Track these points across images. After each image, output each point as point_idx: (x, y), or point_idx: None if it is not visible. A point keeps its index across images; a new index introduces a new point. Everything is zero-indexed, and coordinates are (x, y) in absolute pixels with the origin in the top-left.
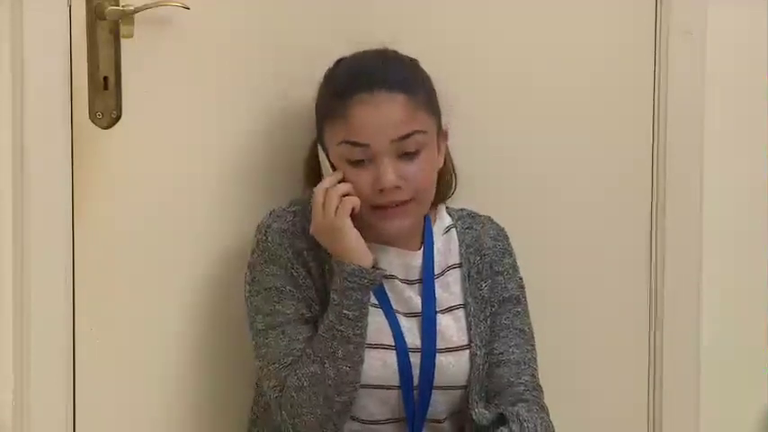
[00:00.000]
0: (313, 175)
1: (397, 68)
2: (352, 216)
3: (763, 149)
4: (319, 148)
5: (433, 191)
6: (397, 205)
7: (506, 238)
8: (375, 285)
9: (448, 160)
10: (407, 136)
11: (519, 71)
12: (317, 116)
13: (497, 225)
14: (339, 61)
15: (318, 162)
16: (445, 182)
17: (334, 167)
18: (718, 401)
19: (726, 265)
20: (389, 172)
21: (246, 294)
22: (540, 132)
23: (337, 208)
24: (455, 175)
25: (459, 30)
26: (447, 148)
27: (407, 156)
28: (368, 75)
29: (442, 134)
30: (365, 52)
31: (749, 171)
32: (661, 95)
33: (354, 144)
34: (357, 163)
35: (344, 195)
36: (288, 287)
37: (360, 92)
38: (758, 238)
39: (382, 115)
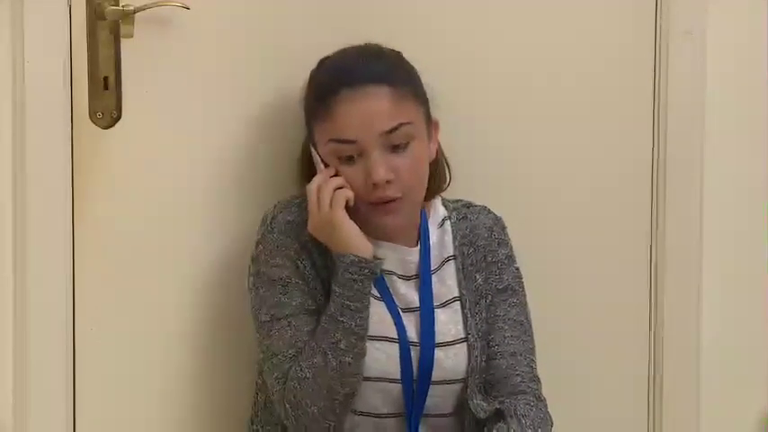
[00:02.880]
0: (305, 172)
1: (378, 62)
2: (348, 210)
3: (764, 149)
4: (311, 147)
5: (426, 183)
6: (390, 202)
7: (503, 227)
8: (375, 275)
9: (440, 153)
10: (394, 129)
11: (519, 71)
12: (305, 117)
13: (494, 215)
14: (322, 61)
15: (311, 159)
16: (438, 174)
17: (326, 165)
18: (718, 402)
19: (726, 265)
20: (380, 166)
21: (250, 286)
22: (540, 132)
23: (331, 202)
24: (449, 167)
25: (459, 29)
26: (438, 142)
27: (397, 148)
28: (349, 71)
29: (432, 124)
30: (346, 49)
31: (749, 171)
32: (661, 95)
33: (342, 141)
34: (347, 160)
35: (337, 189)
36: (293, 279)
37: (342, 89)
38: (758, 238)
39: (367, 109)
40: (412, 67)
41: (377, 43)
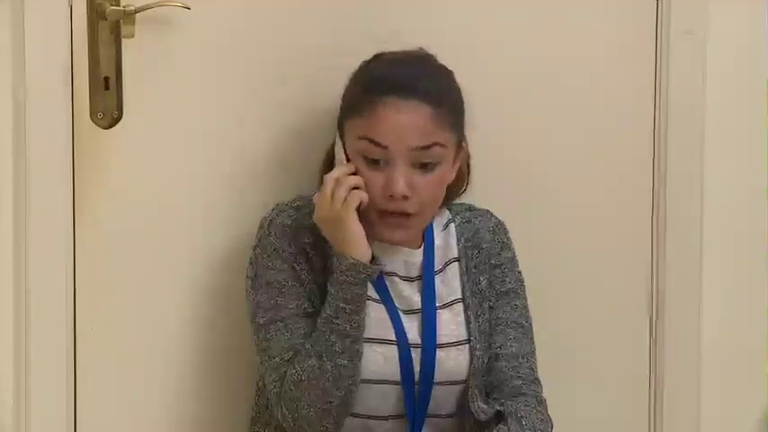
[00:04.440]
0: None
1: (432, 79)
2: (358, 211)
3: (764, 149)
4: (337, 135)
5: (439, 203)
6: (401, 215)
7: (505, 231)
8: (372, 279)
9: (464, 166)
10: (427, 147)
11: (520, 71)
12: (342, 104)
13: (496, 218)
14: (377, 56)
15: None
16: (456, 186)
17: (348, 159)
18: (718, 401)
19: (726, 265)
20: (401, 180)
21: (248, 289)
22: (540, 132)
23: (345, 200)
24: (469, 177)
25: (460, 29)
26: (467, 150)
27: (423, 167)
28: (403, 79)
29: (461, 151)
30: (405, 53)
31: (749, 171)
32: (661, 95)
33: (374, 143)
34: (372, 162)
35: (354, 188)
36: (290, 282)
37: (391, 94)
38: (758, 238)
39: (408, 122)
40: (459, 90)
41: (433, 55)
